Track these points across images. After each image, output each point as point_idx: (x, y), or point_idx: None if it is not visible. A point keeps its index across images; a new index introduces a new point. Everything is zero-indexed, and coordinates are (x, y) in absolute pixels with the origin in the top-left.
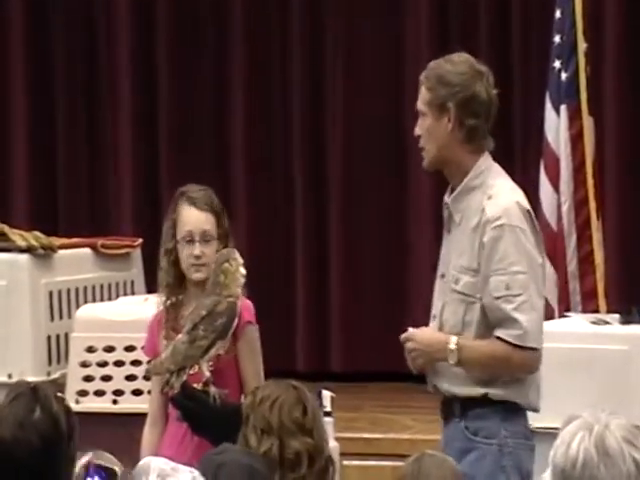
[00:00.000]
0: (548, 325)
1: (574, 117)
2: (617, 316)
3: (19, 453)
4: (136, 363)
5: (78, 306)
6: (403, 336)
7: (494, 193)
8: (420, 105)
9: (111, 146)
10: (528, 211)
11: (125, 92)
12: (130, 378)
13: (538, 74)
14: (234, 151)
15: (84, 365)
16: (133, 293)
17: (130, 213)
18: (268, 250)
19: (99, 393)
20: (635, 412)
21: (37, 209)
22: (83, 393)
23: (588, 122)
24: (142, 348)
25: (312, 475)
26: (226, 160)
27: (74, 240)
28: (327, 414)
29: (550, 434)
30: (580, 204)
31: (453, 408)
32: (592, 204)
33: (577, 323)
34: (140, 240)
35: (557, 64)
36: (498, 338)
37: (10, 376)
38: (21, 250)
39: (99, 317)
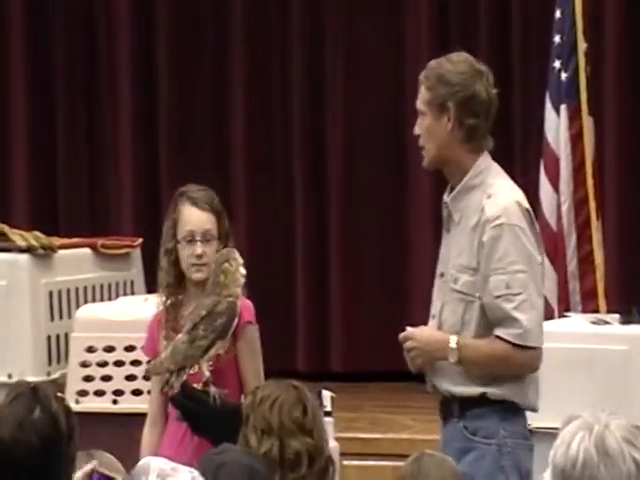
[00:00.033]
0: (548, 325)
1: (574, 117)
2: (617, 316)
3: (19, 453)
4: (136, 363)
5: (78, 306)
6: (402, 335)
7: (493, 192)
8: (420, 104)
9: (111, 146)
10: (527, 210)
11: (125, 92)
12: (130, 378)
13: (538, 74)
14: (234, 151)
15: (84, 365)
16: (133, 293)
17: (130, 213)
18: (268, 250)
19: (99, 393)
20: (635, 412)
21: (37, 209)
22: (83, 393)
23: (588, 122)
24: (142, 348)
25: (312, 475)
26: (226, 160)
27: (74, 240)
28: (327, 414)
29: (550, 434)
30: (580, 204)
31: (452, 408)
32: (592, 204)
33: (577, 323)
34: (140, 240)
35: (557, 64)
36: (498, 337)
37: (10, 376)
38: (21, 250)
39: (99, 317)
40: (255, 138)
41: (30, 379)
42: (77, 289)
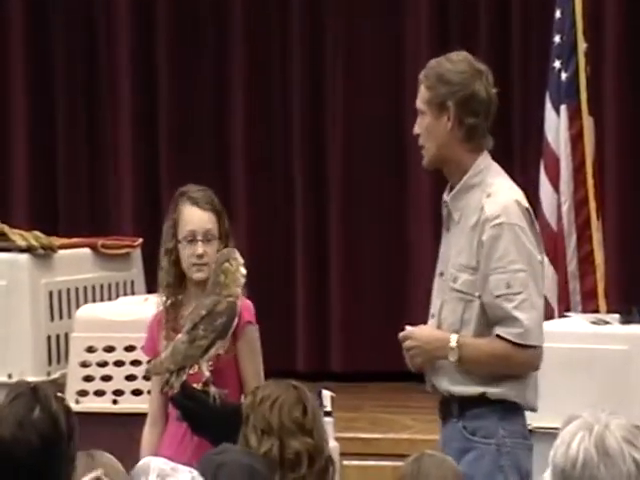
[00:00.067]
0: (548, 325)
1: (574, 117)
2: (617, 316)
3: (18, 453)
4: (136, 363)
5: (78, 306)
6: (402, 334)
7: (493, 191)
8: (419, 104)
9: (111, 146)
10: (527, 209)
11: (125, 92)
12: (130, 378)
13: (538, 74)
14: (234, 151)
15: (84, 365)
16: (133, 293)
17: (130, 213)
18: (268, 250)
19: (99, 393)
20: (635, 412)
21: (37, 209)
22: (83, 393)
23: (588, 122)
24: (142, 348)
25: (312, 475)
26: (226, 160)
27: (74, 240)
28: (327, 414)
29: (550, 434)
30: (580, 204)
31: (451, 408)
32: (592, 204)
33: (577, 323)
34: (140, 240)
35: (557, 64)
36: (498, 336)
37: (10, 376)
38: (21, 250)
39: (99, 317)
40: (255, 138)
41: (30, 379)
42: (77, 289)
